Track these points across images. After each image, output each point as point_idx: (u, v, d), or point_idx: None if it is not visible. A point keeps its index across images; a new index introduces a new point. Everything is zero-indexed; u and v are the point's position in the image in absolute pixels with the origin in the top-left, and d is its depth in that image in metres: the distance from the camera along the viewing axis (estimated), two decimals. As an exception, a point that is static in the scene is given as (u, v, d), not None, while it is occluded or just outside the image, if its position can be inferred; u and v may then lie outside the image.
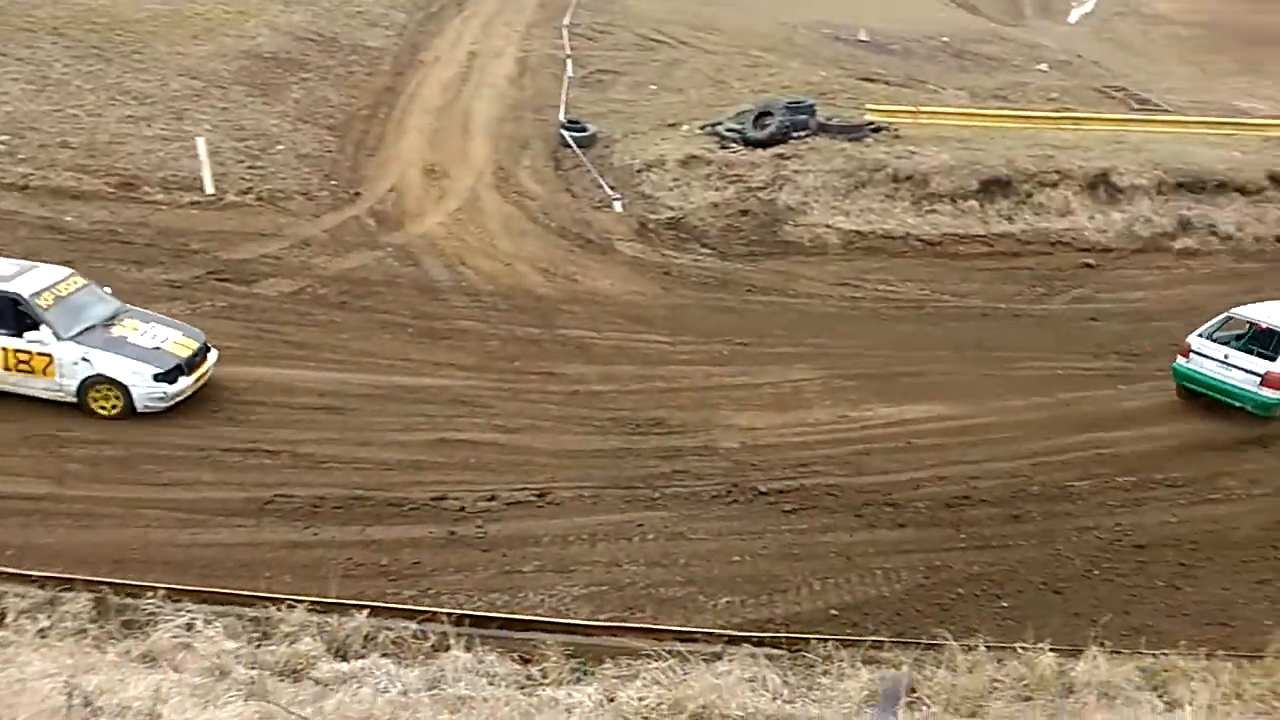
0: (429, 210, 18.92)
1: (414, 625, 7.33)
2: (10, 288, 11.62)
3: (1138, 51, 49.05)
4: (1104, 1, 68.15)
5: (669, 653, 6.86)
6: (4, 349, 11.49)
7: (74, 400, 11.57)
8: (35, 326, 11.46)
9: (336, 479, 10.71)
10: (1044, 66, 37.51)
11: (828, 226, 19.65)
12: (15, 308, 11.54)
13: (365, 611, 7.48)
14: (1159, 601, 9.38)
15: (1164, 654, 7.25)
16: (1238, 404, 12.76)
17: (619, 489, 10.93)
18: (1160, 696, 6.55)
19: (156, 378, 11.55)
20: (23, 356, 11.48)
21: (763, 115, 21.89)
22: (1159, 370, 14.46)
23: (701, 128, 22.96)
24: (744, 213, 19.88)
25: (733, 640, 7.16)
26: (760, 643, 7.19)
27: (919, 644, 7.10)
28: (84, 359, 11.47)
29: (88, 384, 11.51)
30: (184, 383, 11.83)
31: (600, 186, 20.44)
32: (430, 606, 7.93)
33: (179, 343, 12.18)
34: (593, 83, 27.06)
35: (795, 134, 21.65)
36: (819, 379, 14.11)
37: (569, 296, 16.40)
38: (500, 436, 11.94)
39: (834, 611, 9.10)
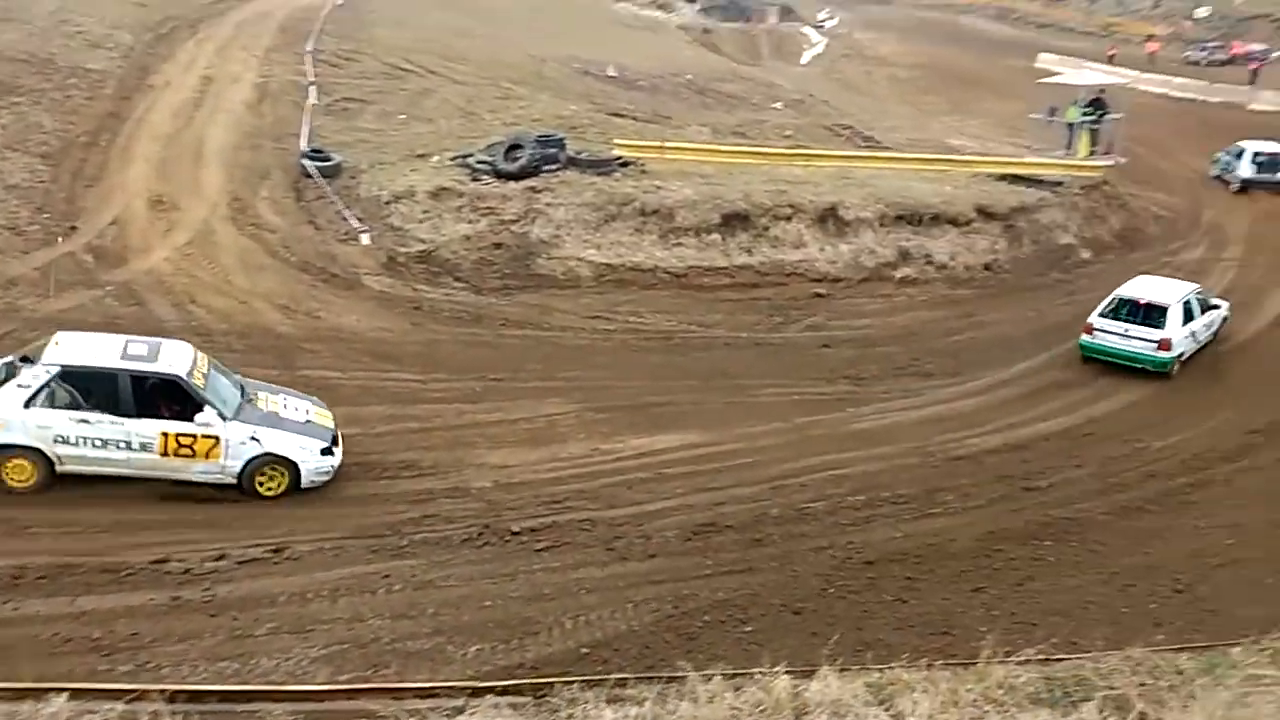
0: (155, 244, 17.73)
1: (120, 706, 6.62)
2: (165, 369, 11.01)
3: (862, 91, 52.90)
4: (832, 44, 73.23)
5: (408, 713, 6.61)
6: (164, 434, 10.81)
7: (233, 482, 11.08)
8: (198, 408, 10.89)
9: (41, 545, 9.77)
10: (779, 105, 39.70)
11: (579, 259, 19.92)
12: (174, 390, 10.94)
13: (64, 695, 6.74)
14: (888, 615, 9.96)
15: (890, 667, 7.66)
16: (1139, 365, 16.13)
17: (364, 539, 10.54)
18: (886, 710, 6.89)
19: (323, 452, 11.35)
20: (185, 440, 10.86)
21: (514, 148, 21.93)
22: (884, 392, 15.60)
23: (452, 159, 22.75)
24: (497, 245, 19.83)
25: (476, 692, 6.99)
26: (504, 691, 7.06)
27: (662, 678, 7.19)
28: (252, 438, 11.06)
29: (254, 464, 11.08)
30: (339, 454, 11.53)
31: (346, 218, 19.81)
32: (145, 683, 7.24)
33: (320, 413, 12.05)
34: (338, 111, 26.25)
35: (546, 167, 21.83)
36: (573, 412, 14.23)
37: (311, 334, 15.78)
38: (232, 489, 11.25)
39: (585, 650, 9.11)
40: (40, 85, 23.40)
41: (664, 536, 11.14)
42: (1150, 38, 65.17)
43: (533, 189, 21.10)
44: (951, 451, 13.54)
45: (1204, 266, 22.43)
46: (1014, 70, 56.28)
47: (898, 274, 20.85)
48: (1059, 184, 24.89)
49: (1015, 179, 24.98)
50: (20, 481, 10.61)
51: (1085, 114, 29.25)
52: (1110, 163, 28.08)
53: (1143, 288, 17.26)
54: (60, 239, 17.25)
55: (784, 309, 19.06)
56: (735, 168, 24.07)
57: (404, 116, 26.94)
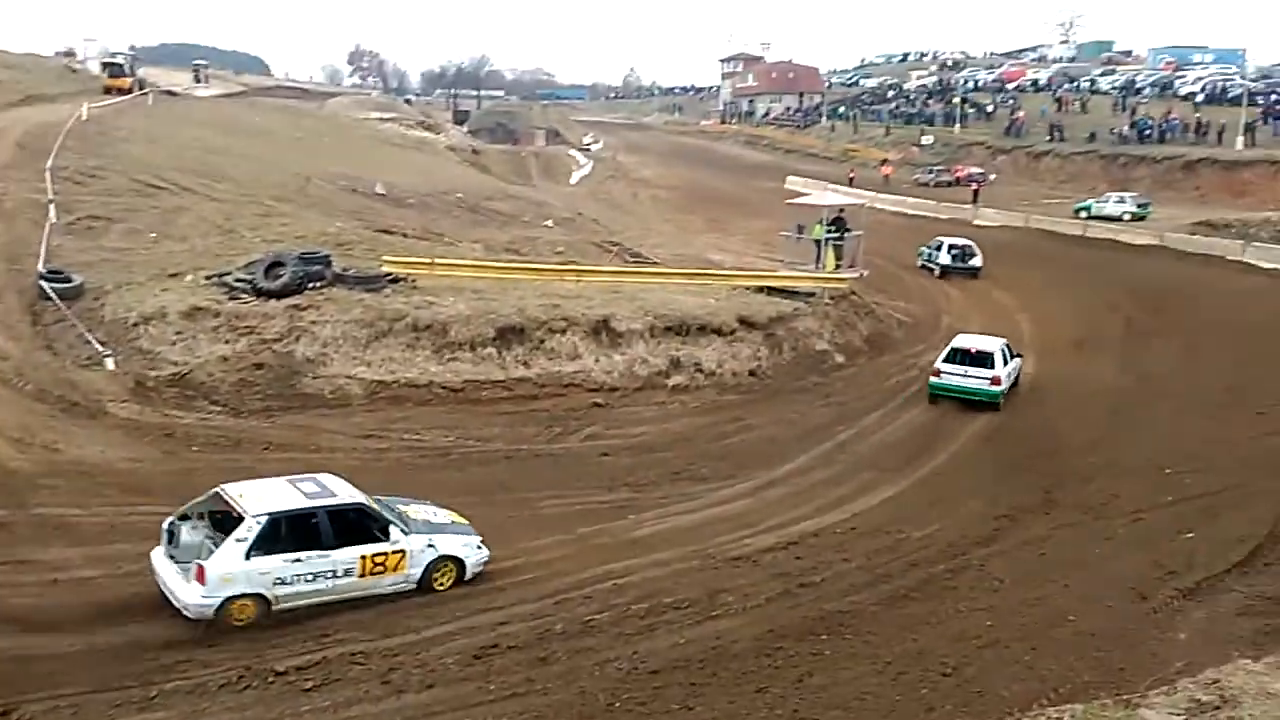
0: None
1: None
2: (350, 499, 11.99)
3: (628, 210, 54.99)
4: (598, 166, 76.09)
5: None
6: (363, 558, 11.75)
7: (414, 587, 12.12)
8: (385, 528, 11.96)
9: None
10: (550, 223, 40.57)
11: (349, 377, 19.34)
12: (364, 517, 11.97)
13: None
14: (674, 726, 9.83)
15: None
16: (977, 398, 20.67)
17: (107, 692, 9.47)
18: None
19: (479, 545, 12.67)
20: (379, 559, 11.86)
21: (275, 265, 21.24)
22: (663, 498, 15.79)
23: (209, 278, 21.76)
24: (258, 366, 18.96)
25: None
26: None
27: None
28: (429, 545, 12.22)
29: (431, 567, 12.19)
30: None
31: (88, 342, 18.42)
32: None
33: (447, 512, 13.27)
34: (81, 230, 24.71)
35: (311, 284, 21.23)
36: (344, 538, 13.51)
37: (49, 469, 14.36)
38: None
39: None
40: None
41: (443, 664, 10.61)
42: (884, 162, 71.58)
43: (296, 307, 20.45)
44: (729, 552, 13.78)
45: (945, 367, 24.30)
46: (765, 191, 60.24)
47: (670, 382, 21.44)
48: (811, 295, 26.54)
49: (772, 291, 26.48)
50: (242, 620, 11.10)
51: (829, 231, 31.58)
52: (855, 275, 30.31)
53: (970, 340, 22.11)
54: None
55: (563, 419, 19.12)
56: (508, 283, 24.28)
57: (155, 235, 25.64)
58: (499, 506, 14.93)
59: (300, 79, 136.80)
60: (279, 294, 20.79)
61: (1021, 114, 74.08)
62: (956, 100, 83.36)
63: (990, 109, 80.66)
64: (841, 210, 33.17)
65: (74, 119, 37.51)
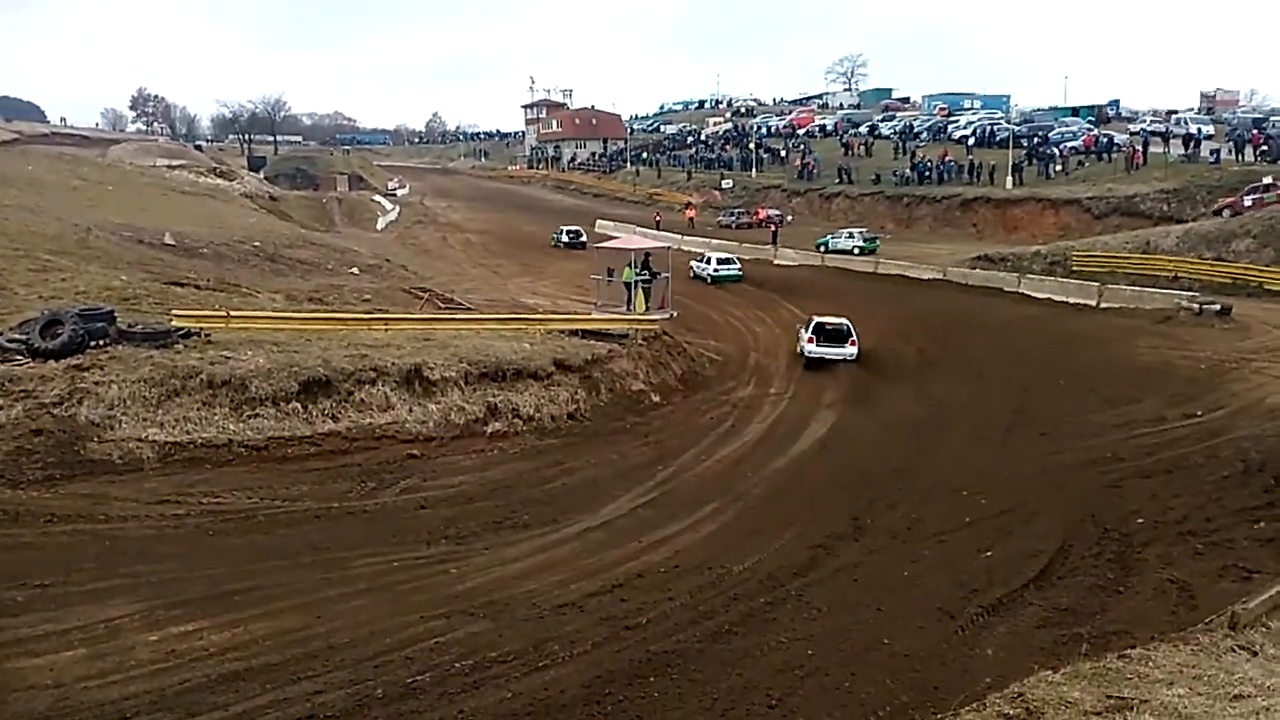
0: None
1: None
2: None
3: (438, 256, 54.38)
4: (405, 211, 74.95)
5: None
6: None
7: None
8: None
9: None
10: (356, 270, 39.62)
11: (140, 440, 18.05)
12: None
13: None
14: (505, 782, 9.54)
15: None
16: (844, 360, 28.37)
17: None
18: None
19: None
20: None
21: (52, 323, 19.72)
22: (485, 548, 15.41)
23: (-24, 339, 19.99)
24: (36, 433, 17.44)
25: None
26: None
27: None
28: None
29: None
30: None
31: None
32: None
33: None
34: None
35: (93, 343, 19.82)
36: (139, 613, 12.50)
37: None
38: None
39: None
40: None
41: (259, 742, 9.98)
42: (688, 205, 73.75)
43: (78, 367, 19.01)
44: (555, 600, 13.58)
45: (755, 402, 25.05)
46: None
47: (488, 429, 21.07)
48: (625, 336, 26.85)
49: (586, 334, 26.63)
50: None
51: (638, 274, 32.15)
52: (665, 316, 30.93)
53: (828, 319, 29.87)
54: None
55: (376, 473, 18.43)
56: (312, 334, 23.41)
57: (-88, 293, 23.43)
58: (308, 569, 14.17)
59: (80, 125, 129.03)
60: (57, 354, 19.31)
61: (811, 158, 77.89)
62: (751, 145, 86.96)
63: (783, 153, 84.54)
64: (648, 253, 33.83)
65: None
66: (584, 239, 48.05)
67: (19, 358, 19.21)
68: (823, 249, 51.46)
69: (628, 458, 20.26)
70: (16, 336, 19.86)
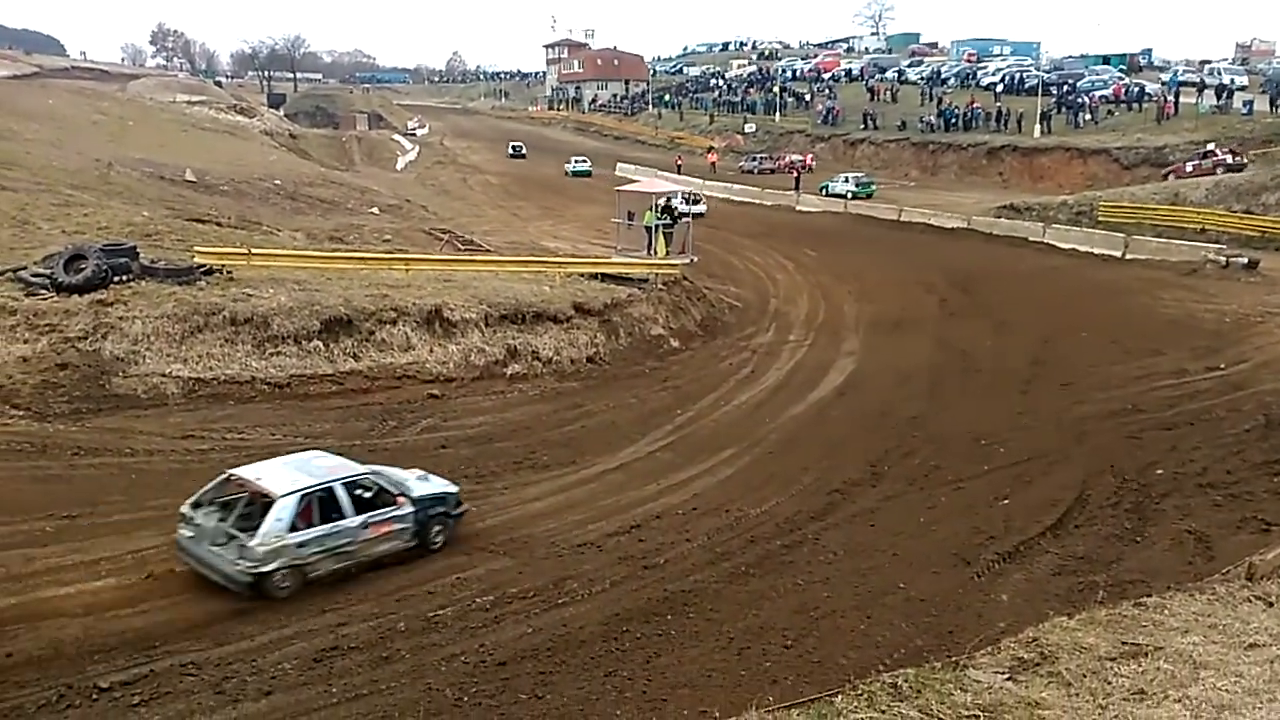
0: None
1: None
2: (360, 470, 13.11)
3: (458, 197, 54.16)
4: (425, 151, 74.55)
5: None
6: (374, 524, 12.59)
7: (414, 545, 13.04)
8: (387, 496, 12.93)
9: None
10: (376, 210, 39.55)
11: (164, 375, 18.26)
12: (368, 486, 12.97)
13: None
14: (524, 715, 9.70)
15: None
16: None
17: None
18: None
19: (459, 504, 13.97)
20: (387, 524, 12.79)
21: (76, 258, 19.80)
22: (505, 488, 15.59)
23: (1, 274, 20.13)
24: (62, 366, 17.65)
25: None
26: None
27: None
28: (424, 507, 13.29)
29: (427, 527, 13.19)
30: None
31: None
32: None
33: (434, 477, 14.30)
34: None
35: (116, 278, 19.92)
36: (166, 544, 12.74)
37: None
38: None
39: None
40: None
41: (281, 669, 10.19)
42: (710, 150, 73.01)
43: (101, 302, 19.13)
44: (574, 539, 13.75)
45: (775, 349, 25.02)
46: (596, 178, 60.50)
47: (508, 371, 21.18)
48: (645, 281, 26.78)
49: (605, 278, 26.57)
50: (283, 591, 11.75)
51: (659, 218, 31.98)
52: (685, 261, 30.80)
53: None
54: None
55: (397, 413, 18.60)
56: (333, 273, 23.45)
57: (-64, 227, 23.57)
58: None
59: (100, 60, 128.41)
60: (81, 289, 19.41)
61: (837, 103, 76.85)
62: (776, 89, 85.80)
63: (808, 98, 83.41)
64: (669, 197, 33.63)
65: None
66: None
67: (43, 292, 19.34)
68: (823, 192, 51.87)
69: (646, 402, 20.32)
70: (41, 271, 19.97)
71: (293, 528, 11.86)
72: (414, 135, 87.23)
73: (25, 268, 20.33)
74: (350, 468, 13.02)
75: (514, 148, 77.62)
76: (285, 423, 17.63)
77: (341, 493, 12.43)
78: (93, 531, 13.03)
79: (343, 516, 12.31)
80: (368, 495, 12.75)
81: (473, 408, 19.36)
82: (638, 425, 18.78)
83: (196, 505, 12.38)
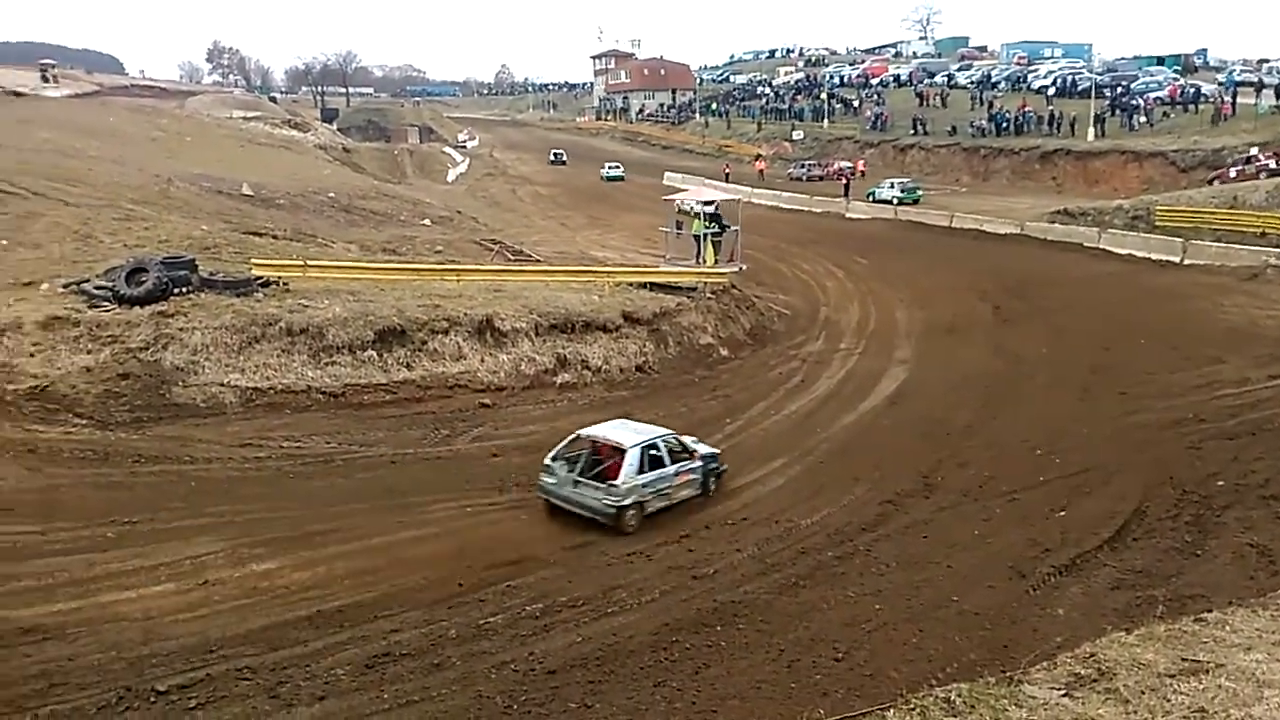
0: None
1: None
2: (666, 431, 16.16)
3: (508, 208, 54.58)
4: (475, 164, 75.27)
5: None
6: (681, 473, 15.56)
7: (700, 493, 16.00)
8: (687, 452, 15.99)
9: None
10: (428, 221, 39.98)
11: (223, 385, 18.62)
12: (675, 443, 15.90)
13: None
14: (574, 724, 9.77)
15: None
16: None
17: (-27, 723, 8.92)
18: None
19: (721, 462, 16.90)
20: (688, 473, 15.75)
21: (137, 271, 20.29)
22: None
23: (66, 286, 20.70)
24: (124, 376, 18.08)
25: None
26: None
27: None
28: (706, 462, 16.32)
29: (708, 478, 16.26)
30: None
31: (-67, 357, 17.27)
32: None
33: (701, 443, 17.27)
34: (-87, 238, 23.16)
35: (176, 290, 20.37)
36: (223, 550, 13.04)
37: (-107, 493, 13.42)
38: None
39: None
40: None
41: (334, 675, 10.32)
42: (758, 157, 72.87)
43: (162, 314, 19.59)
44: (623, 548, 13.78)
45: (825, 357, 24.87)
46: (644, 187, 60.62)
47: (558, 380, 21.30)
48: (693, 289, 26.77)
49: (654, 287, 26.61)
50: (631, 526, 14.53)
51: (707, 227, 31.93)
52: (734, 269, 30.72)
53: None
54: None
55: (449, 421, 18.79)
56: (385, 284, 23.76)
57: (4, 242, 24.24)
58: (385, 512, 14.58)
59: (157, 77, 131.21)
60: (142, 301, 19.89)
61: (885, 109, 76.28)
62: (824, 96, 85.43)
63: (856, 104, 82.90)
64: (716, 205, 33.57)
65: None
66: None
67: (106, 304, 19.82)
68: (870, 198, 51.42)
69: (696, 411, 20.30)
70: (104, 283, 20.49)
71: (639, 471, 14.64)
72: (464, 147, 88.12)
73: (89, 280, 20.87)
74: (659, 430, 15.84)
75: (555, 155, 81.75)
76: (340, 431, 17.87)
77: (662, 446, 15.25)
78: (153, 537, 13.32)
79: (663, 465, 15.09)
80: (676, 450, 15.51)
81: (523, 416, 19.49)
82: (687, 434, 18.76)
83: (554, 458, 15.13)
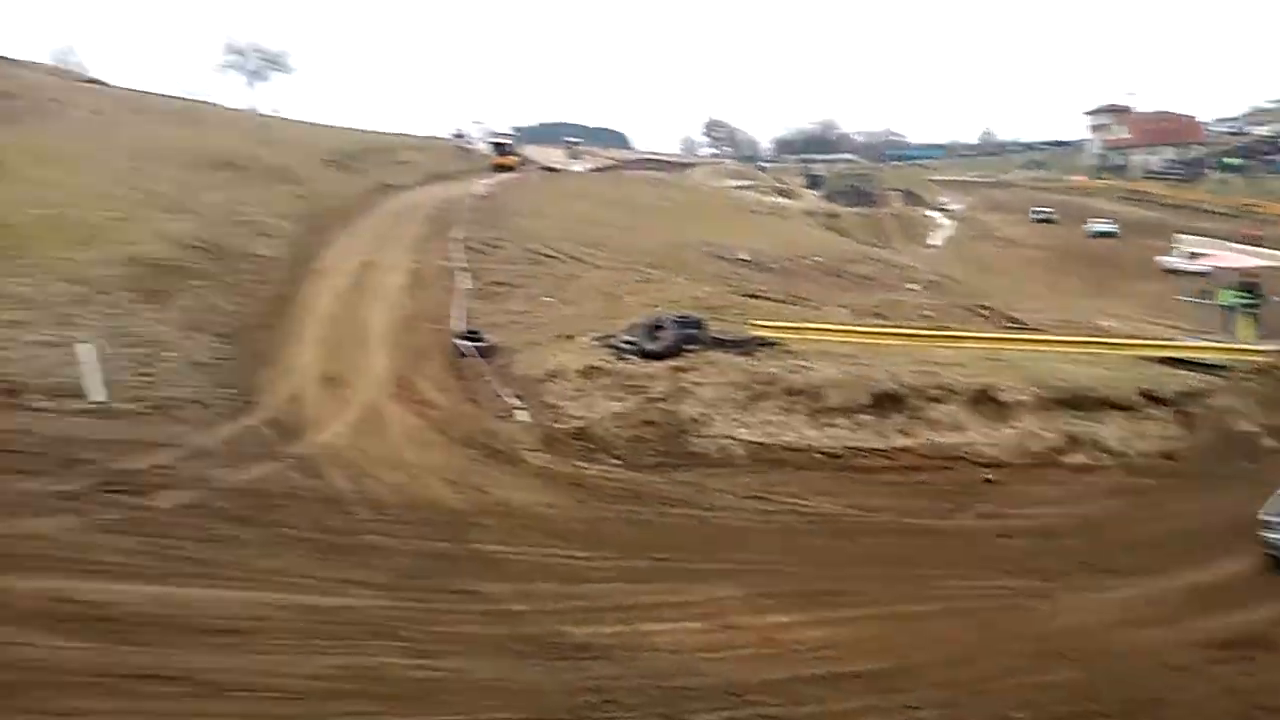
0: (328, 420, 18.24)
1: None
2: None
3: (996, 272, 52.73)
4: (960, 226, 73.75)
5: None
6: None
7: None
8: None
9: (244, 709, 9.52)
10: (915, 286, 39.71)
11: (731, 438, 19.68)
12: None
13: None
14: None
15: None
16: None
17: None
18: None
19: None
20: None
21: (656, 328, 22.26)
22: (1075, 589, 14.42)
23: (597, 339, 23.19)
24: (648, 423, 19.79)
25: None
26: None
27: None
28: None
29: None
30: None
31: (502, 396, 20.12)
32: None
33: None
34: (488, 295, 27.33)
35: (688, 347, 21.96)
36: (742, 597, 13.61)
37: (480, 509, 15.80)
38: (410, 663, 10.96)
39: None
40: (214, 270, 25.08)
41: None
42: (1293, 219, 63.72)
43: (678, 368, 21.22)
44: (1160, 658, 12.32)
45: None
46: (1150, 250, 55.49)
47: (1068, 460, 19.87)
48: (1223, 368, 23.77)
49: (1175, 362, 24.01)
50: None
51: (1240, 297, 28.38)
52: (1275, 347, 26.86)
53: None
54: None
55: (951, 494, 18.25)
56: (876, 348, 23.79)
57: (550, 299, 27.76)
58: (891, 581, 14.37)
59: (659, 151, 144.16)
60: (661, 355, 21.70)
61: None
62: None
63: None
64: (1255, 274, 29.78)
65: (469, 196, 41.74)
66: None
67: (631, 356, 21.91)
68: None
69: (1240, 508, 17.77)
70: (628, 338, 22.71)
71: None
72: (946, 210, 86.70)
73: (615, 335, 23.23)
74: None
75: (1038, 212, 78.97)
76: (841, 493, 18.05)
77: None
78: (680, 575, 14.25)
79: None
80: None
81: (1032, 497, 18.37)
82: (1231, 534, 16.51)
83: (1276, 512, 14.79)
